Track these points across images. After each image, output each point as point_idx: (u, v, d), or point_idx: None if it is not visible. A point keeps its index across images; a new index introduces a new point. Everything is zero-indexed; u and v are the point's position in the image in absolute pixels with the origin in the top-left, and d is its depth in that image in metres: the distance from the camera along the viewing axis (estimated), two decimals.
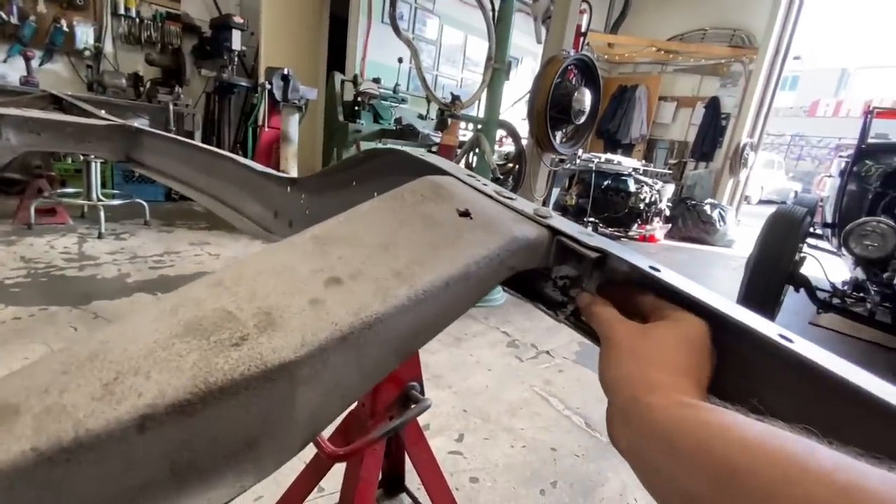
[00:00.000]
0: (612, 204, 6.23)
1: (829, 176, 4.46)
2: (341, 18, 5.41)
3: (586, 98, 2.78)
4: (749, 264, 3.01)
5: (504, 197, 0.57)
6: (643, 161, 7.51)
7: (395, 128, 4.16)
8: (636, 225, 6.34)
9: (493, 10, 2.59)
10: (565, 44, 2.96)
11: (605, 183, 6.20)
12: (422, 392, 0.88)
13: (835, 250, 3.53)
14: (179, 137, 1.77)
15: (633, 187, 6.15)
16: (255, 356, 0.30)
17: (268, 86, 3.63)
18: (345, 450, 0.72)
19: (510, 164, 3.21)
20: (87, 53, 4.59)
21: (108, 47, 4.72)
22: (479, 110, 2.83)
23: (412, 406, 0.82)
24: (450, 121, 2.58)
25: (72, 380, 0.27)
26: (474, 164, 2.90)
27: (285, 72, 3.59)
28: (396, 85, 4.59)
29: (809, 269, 3.08)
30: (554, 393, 1.93)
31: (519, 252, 0.48)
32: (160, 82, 4.95)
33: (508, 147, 4.86)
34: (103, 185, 3.86)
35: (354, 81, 4.13)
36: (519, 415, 1.75)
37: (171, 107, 4.72)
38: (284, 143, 3.74)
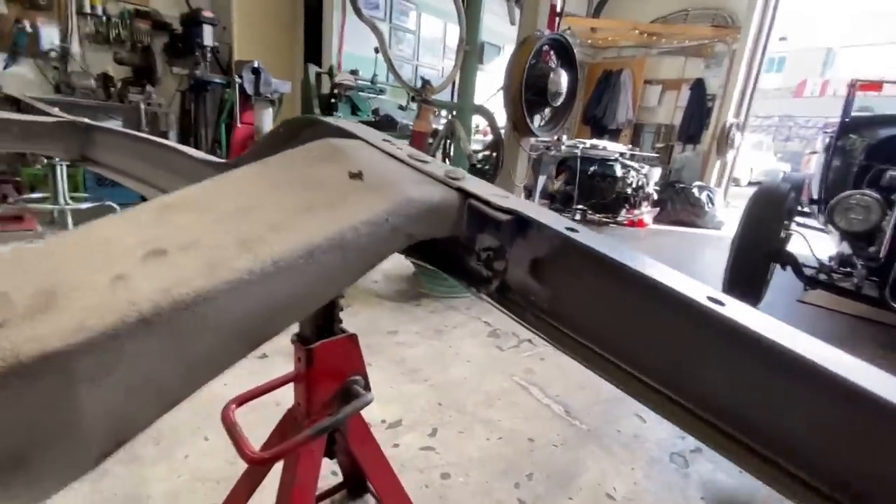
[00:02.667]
0: (599, 190, 6.17)
1: (815, 153, 4.43)
2: (317, 10, 5.28)
3: (562, 79, 2.71)
4: (733, 243, 2.97)
5: (416, 160, 0.50)
6: (629, 146, 7.46)
7: (373, 119, 4.06)
8: (624, 210, 6.30)
9: None
10: (539, 24, 2.88)
11: (592, 169, 6.14)
12: (366, 387, 0.82)
13: (822, 227, 3.50)
14: (128, 131, 1.68)
15: (619, 172, 6.10)
16: (4, 347, 0.23)
17: (238, 80, 3.52)
18: (270, 452, 0.66)
19: (488, 151, 3.13)
20: (53, 55, 4.44)
21: (74, 47, 4.57)
22: (453, 96, 2.75)
23: (352, 402, 0.75)
24: (422, 107, 2.50)
25: None
26: (451, 152, 2.83)
27: (255, 65, 3.48)
28: (374, 76, 4.49)
29: (798, 247, 3.05)
30: (534, 382, 1.87)
31: (419, 217, 0.41)
32: (131, 82, 4.81)
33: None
34: (75, 189, 3.75)
35: (330, 73, 4.03)
36: (497, 406, 1.70)
37: (143, 106, 4.60)
38: (259, 139, 3.64)
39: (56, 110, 2.24)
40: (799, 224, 4.27)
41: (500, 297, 0.48)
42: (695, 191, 6.78)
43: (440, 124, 3.10)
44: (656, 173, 6.58)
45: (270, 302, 0.32)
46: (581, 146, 5.93)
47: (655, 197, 6.65)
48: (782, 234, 3.04)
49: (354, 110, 4.16)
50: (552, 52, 2.84)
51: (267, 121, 3.63)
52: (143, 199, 2.44)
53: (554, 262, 0.42)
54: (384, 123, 3.97)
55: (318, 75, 4.02)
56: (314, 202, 0.38)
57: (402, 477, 0.92)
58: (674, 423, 0.35)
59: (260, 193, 0.39)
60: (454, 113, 2.64)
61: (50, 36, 4.49)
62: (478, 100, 2.76)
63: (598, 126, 8.76)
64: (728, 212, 6.91)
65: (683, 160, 7.90)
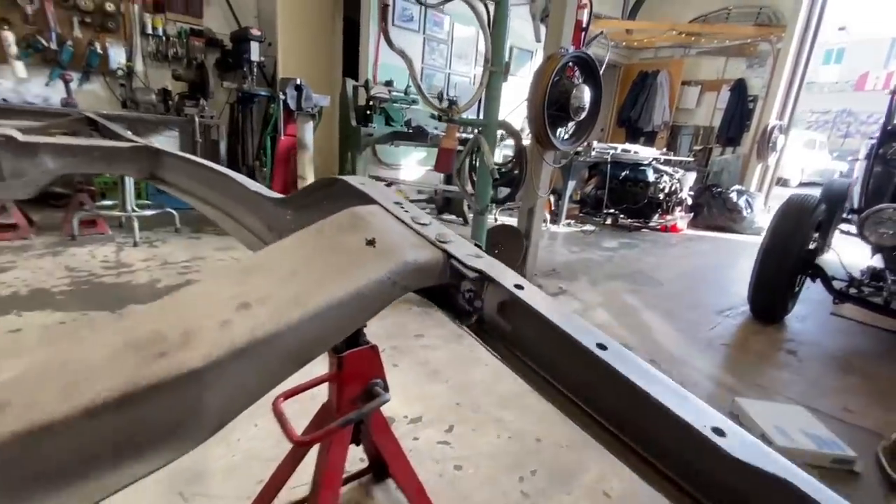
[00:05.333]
0: (630, 194, 6.15)
1: (857, 159, 4.28)
2: (355, 21, 5.55)
3: (585, 95, 2.81)
4: (759, 255, 2.97)
5: (417, 223, 0.67)
6: (664, 149, 7.34)
7: (405, 130, 4.27)
8: (657, 215, 6.24)
9: (489, 14, 2.65)
10: (564, 41, 2.98)
11: (624, 173, 6.13)
12: (385, 388, 0.99)
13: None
14: (191, 157, 1.94)
15: (652, 177, 6.05)
16: (174, 363, 0.42)
17: (282, 96, 3.81)
18: (310, 437, 0.85)
19: (512, 163, 3.26)
20: (119, 73, 4.92)
21: (138, 66, 5.04)
22: (479, 112, 2.90)
23: (373, 400, 0.93)
24: (448, 125, 2.67)
25: (44, 382, 0.40)
26: (476, 165, 2.98)
27: (298, 82, 3.76)
28: (407, 87, 4.69)
29: (839, 258, 3.00)
30: None
31: (413, 274, 0.59)
32: (187, 96, 5.24)
33: None
34: (138, 196, 4.16)
35: (366, 86, 4.26)
36: (510, 406, 1.85)
37: (197, 119, 5.01)
38: (301, 150, 3.92)
39: (129, 133, 2.57)
40: (843, 232, 4.15)
41: (477, 329, 0.64)
42: (733, 195, 6.61)
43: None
44: (691, 177, 6.47)
45: (314, 336, 0.51)
46: (612, 151, 5.93)
47: (690, 202, 6.54)
48: (811, 246, 3.01)
49: (388, 121, 4.38)
50: (576, 69, 2.94)
51: (308, 133, 3.90)
52: (191, 209, 2.66)
53: (511, 306, 0.58)
54: (416, 134, 4.16)
55: (355, 88, 4.26)
56: (341, 265, 0.56)
57: (419, 466, 1.10)
58: (591, 436, 0.51)
59: (305, 259, 0.57)
60: (479, 129, 2.79)
61: (117, 56, 4.97)
62: (508, 107, 2.86)
63: (634, 128, 8.65)
64: (768, 217, 6.69)
65: (722, 163, 7.68)
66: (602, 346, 0.47)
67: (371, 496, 1.32)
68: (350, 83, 4.22)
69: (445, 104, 2.60)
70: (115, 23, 4.81)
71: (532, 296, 0.54)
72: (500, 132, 3.31)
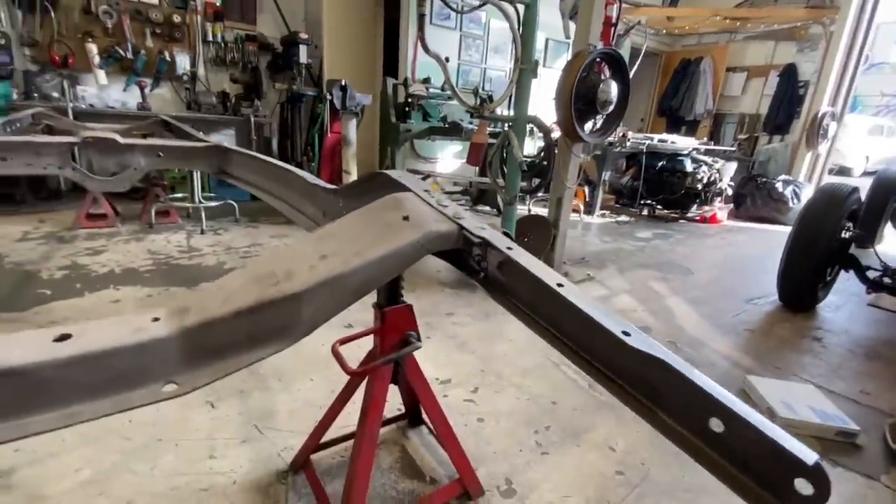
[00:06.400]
0: (668, 185, 6.11)
1: None
2: (396, 22, 5.81)
3: (612, 89, 2.93)
4: (786, 245, 3.01)
5: (440, 205, 0.91)
6: (706, 139, 7.18)
7: (442, 125, 4.50)
8: (694, 206, 6.17)
9: (518, 15, 2.82)
10: (592, 38, 3.11)
11: (660, 164, 6.09)
12: (418, 338, 1.24)
13: None
14: (257, 154, 2.26)
15: (690, 167, 5.99)
16: (282, 289, 0.68)
17: (328, 96, 4.13)
18: (359, 369, 1.11)
19: (544, 155, 3.43)
20: (185, 78, 5.43)
21: (200, 71, 5.54)
22: (510, 107, 3.09)
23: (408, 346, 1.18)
24: (479, 121, 2.86)
25: (208, 297, 0.67)
26: (506, 158, 3.17)
27: (343, 83, 4.06)
28: (444, 84, 4.91)
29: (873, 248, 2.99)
30: (567, 362, 2.20)
31: (435, 239, 0.82)
32: (243, 97, 5.71)
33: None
34: (203, 189, 4.63)
35: (405, 84, 4.52)
36: (530, 376, 2.06)
37: (252, 118, 5.46)
38: (345, 146, 4.24)
39: (201, 134, 2.95)
40: None
41: (484, 283, 0.87)
42: (778, 185, 6.41)
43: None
44: (731, 167, 6.33)
45: (368, 277, 0.75)
46: (647, 142, 5.91)
47: (730, 192, 6.40)
48: (845, 235, 3.01)
49: (426, 117, 4.62)
50: (604, 64, 3.06)
51: (352, 130, 4.21)
52: (254, 198, 3.10)
53: (506, 265, 0.80)
54: (451, 129, 4.38)
55: (395, 86, 4.53)
56: (386, 233, 0.80)
57: (447, 419, 1.33)
58: (558, 350, 0.72)
59: (361, 229, 0.82)
60: (509, 124, 2.98)
61: (183, 62, 5.47)
62: (544, 99, 2.99)
63: (675, 117, 8.47)
64: None
65: (769, 152, 7.42)
66: (560, 285, 0.69)
67: (407, 437, 1.58)
68: (390, 82, 4.49)
69: (478, 101, 2.79)
70: (181, 32, 5.31)
71: (519, 255, 0.77)
72: (530, 126, 3.48)
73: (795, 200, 6.31)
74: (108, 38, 4.97)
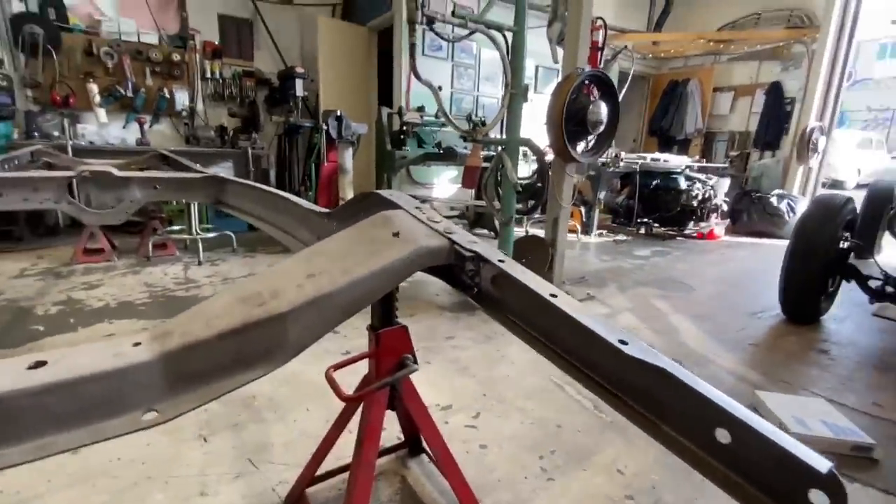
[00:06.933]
0: (663, 203, 6.15)
1: None
2: (389, 54, 5.98)
3: (602, 110, 2.98)
4: (785, 258, 2.99)
5: (431, 221, 0.90)
6: (698, 157, 7.28)
7: (436, 151, 4.56)
8: (691, 223, 6.19)
9: (507, 42, 2.90)
10: (580, 61, 3.18)
11: (655, 182, 6.14)
12: (414, 361, 1.21)
13: None
14: (252, 183, 2.28)
15: (684, 185, 6.04)
16: (268, 309, 0.66)
17: (324, 127, 4.20)
18: (355, 395, 1.07)
19: (538, 176, 3.45)
20: (183, 113, 5.54)
21: (199, 106, 5.66)
22: (502, 131, 3.13)
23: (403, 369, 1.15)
24: (472, 145, 2.90)
25: (192, 320, 0.65)
26: (501, 180, 3.20)
27: (338, 113, 4.14)
28: (437, 112, 5.01)
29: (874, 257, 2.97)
30: (570, 382, 2.14)
31: (425, 255, 0.81)
32: (241, 130, 5.81)
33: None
34: (201, 221, 4.65)
35: (399, 113, 4.61)
36: (533, 399, 2.01)
37: (250, 150, 5.54)
38: (342, 174, 4.28)
39: (198, 165, 2.97)
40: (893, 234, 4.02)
41: (478, 298, 0.85)
42: (773, 199, 6.46)
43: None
44: (725, 184, 6.39)
45: (358, 295, 0.73)
46: (641, 161, 5.98)
47: (725, 208, 6.44)
48: (843, 246, 3.00)
49: (420, 143, 4.69)
50: (593, 86, 3.12)
51: (348, 158, 4.26)
52: (251, 228, 3.13)
53: (499, 278, 0.78)
54: (446, 154, 4.45)
55: (390, 115, 4.62)
56: (375, 249, 0.79)
57: (448, 446, 1.28)
58: (554, 364, 0.70)
59: (350, 246, 0.81)
60: (502, 147, 3.02)
61: (182, 99, 5.59)
62: (536, 123, 3.03)
63: (665, 137, 8.61)
64: None
65: (761, 168, 7.51)
66: (553, 296, 0.67)
67: (407, 467, 1.52)
68: (385, 111, 4.58)
69: (472, 126, 2.84)
70: (180, 70, 5.45)
71: (512, 268, 0.75)
72: (524, 149, 3.52)
73: (791, 214, 6.34)
74: (108, 77, 5.10)
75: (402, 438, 1.57)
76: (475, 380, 2.15)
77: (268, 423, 1.75)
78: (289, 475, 1.46)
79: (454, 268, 0.87)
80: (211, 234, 4.29)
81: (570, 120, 2.98)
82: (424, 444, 1.55)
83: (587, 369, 0.64)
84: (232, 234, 4.42)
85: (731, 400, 0.51)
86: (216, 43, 5.68)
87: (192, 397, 0.62)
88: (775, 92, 7.38)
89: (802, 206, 6.55)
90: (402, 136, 4.59)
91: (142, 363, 0.58)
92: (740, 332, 2.93)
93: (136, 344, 0.60)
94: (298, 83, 5.65)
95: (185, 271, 3.70)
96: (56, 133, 4.69)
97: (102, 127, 5.16)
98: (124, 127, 5.31)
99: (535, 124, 4.81)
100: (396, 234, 0.83)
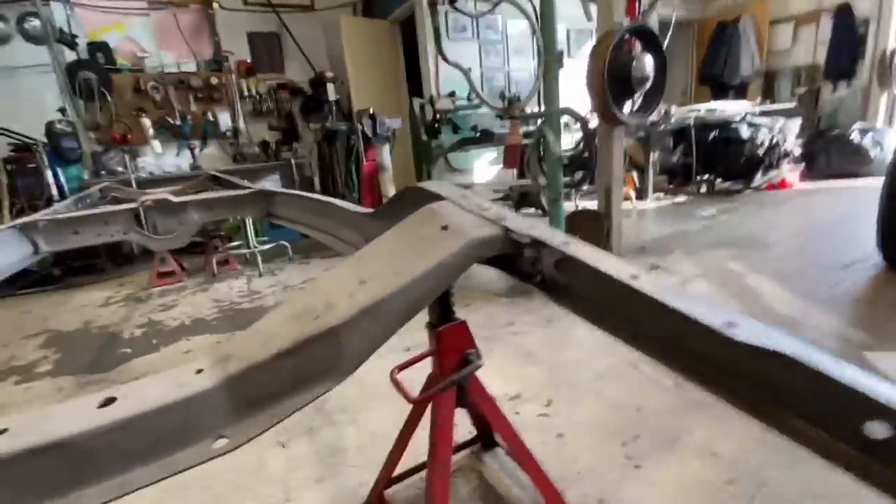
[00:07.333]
0: (724, 156, 5.67)
1: None
2: (414, 44, 5.89)
3: (646, 65, 2.74)
4: (882, 195, 2.64)
5: (480, 209, 0.83)
6: (759, 99, 6.62)
7: (473, 135, 4.45)
8: (759, 173, 5.66)
9: (535, 8, 2.73)
10: (617, 15, 2.94)
11: (713, 135, 5.66)
12: (478, 356, 1.15)
13: None
14: (297, 192, 2.30)
15: (746, 133, 5.52)
16: (321, 324, 0.62)
17: (359, 126, 4.22)
18: (422, 396, 1.04)
19: (584, 146, 3.27)
20: (228, 134, 5.78)
21: (241, 125, 5.88)
22: (540, 103, 2.98)
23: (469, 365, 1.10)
24: (511, 122, 2.78)
25: (248, 341, 0.62)
26: (544, 155, 3.05)
27: (371, 111, 4.13)
28: (469, 94, 4.87)
29: None
30: (645, 360, 2.02)
31: (478, 247, 0.74)
32: (282, 142, 5.99)
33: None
34: (257, 235, 4.85)
35: (431, 102, 4.53)
36: (606, 381, 1.90)
37: (293, 161, 5.69)
38: (381, 172, 4.29)
39: (246, 182, 3.05)
40: None
41: (543, 286, 0.77)
42: (854, 135, 5.76)
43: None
44: (794, 125, 5.77)
45: (413, 297, 0.68)
46: (694, 114, 5.53)
47: (797, 152, 5.83)
48: None
49: (456, 129, 4.59)
50: (634, 40, 2.89)
51: (386, 155, 4.26)
52: (304, 236, 3.16)
53: (564, 262, 0.70)
54: (483, 137, 4.32)
55: (422, 106, 4.55)
56: (425, 247, 0.73)
57: (522, 439, 1.22)
58: (643, 353, 0.61)
59: (398, 247, 0.76)
60: (542, 120, 2.87)
61: (225, 120, 5.83)
62: (575, 91, 2.84)
63: (719, 84, 7.91)
64: None
65: (836, 102, 6.72)
66: (634, 276, 0.58)
67: (482, 462, 1.48)
68: (417, 102, 4.52)
69: (506, 103, 2.71)
70: (220, 93, 5.67)
71: (578, 249, 0.67)
72: (565, 118, 3.34)
73: (878, 149, 5.63)
74: (158, 109, 5.41)
75: (475, 432, 1.53)
76: (542, 365, 2.07)
77: (340, 425, 1.77)
78: (367, 477, 1.47)
79: (512, 256, 0.79)
80: (267, 246, 4.46)
81: (612, 80, 2.77)
82: (498, 437, 1.50)
83: (689, 360, 0.55)
84: (286, 244, 4.57)
85: (887, 385, 0.41)
86: (248, 61, 5.86)
87: (258, 420, 0.60)
88: (844, 15, 6.53)
89: (892, 138, 5.80)
90: (436, 125, 4.51)
91: (206, 391, 0.56)
92: (834, 287, 2.62)
93: (199, 371, 0.59)
94: (330, 88, 5.72)
95: (248, 284, 3.87)
96: (120, 168, 5.05)
97: (158, 157, 5.49)
98: (177, 154, 5.62)
99: (573, 92, 4.57)
100: (445, 228, 0.77)
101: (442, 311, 1.11)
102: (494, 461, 1.48)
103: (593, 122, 3.22)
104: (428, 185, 0.99)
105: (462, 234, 0.74)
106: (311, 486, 1.49)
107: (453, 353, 1.11)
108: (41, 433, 0.49)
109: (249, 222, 4.32)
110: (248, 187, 2.64)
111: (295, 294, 0.70)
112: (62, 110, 4.86)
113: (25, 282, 4.15)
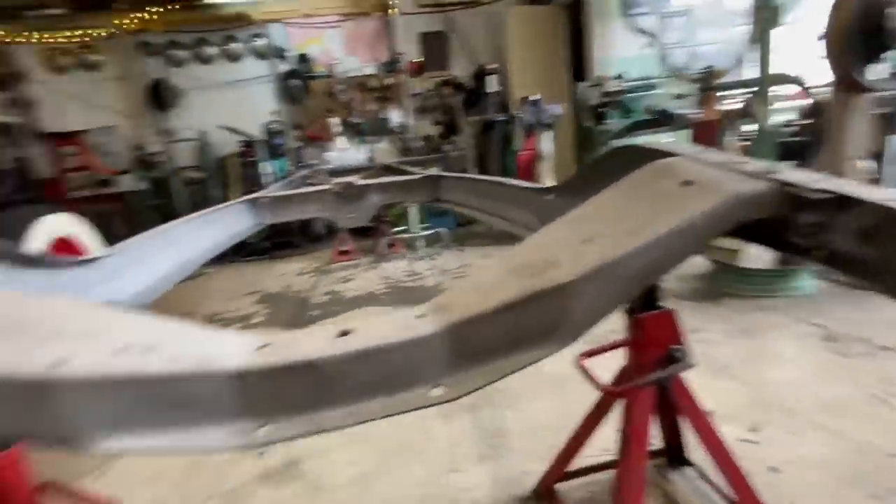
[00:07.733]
0: None
1: None
2: (579, 29, 5.57)
3: None
4: None
5: (735, 163, 0.66)
6: None
7: (647, 117, 4.00)
8: None
9: None
10: None
11: None
12: (687, 355, 0.97)
13: None
14: (465, 175, 2.34)
15: None
16: (546, 280, 0.55)
17: (519, 114, 4.15)
18: (618, 388, 0.91)
19: (804, 121, 2.65)
20: (397, 130, 6.30)
21: (409, 121, 6.34)
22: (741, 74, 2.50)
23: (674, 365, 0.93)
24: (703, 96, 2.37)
25: (468, 293, 0.59)
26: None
27: (533, 98, 4.03)
28: (661, 57, 4.35)
29: None
30: None
31: (740, 205, 0.58)
32: (443, 135, 6.30)
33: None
34: (419, 222, 5.19)
35: (598, 84, 4.22)
36: (839, 414, 1.48)
37: (452, 154, 5.93)
38: (539, 161, 4.17)
39: (417, 169, 3.23)
40: None
41: (833, 262, 0.58)
42: None
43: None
44: None
45: (650, 261, 0.57)
46: None
47: None
48: None
49: (627, 113, 4.19)
50: None
51: (547, 143, 4.12)
52: (460, 225, 3.27)
53: (883, 227, 0.50)
54: (660, 119, 3.85)
55: (587, 89, 4.27)
56: (664, 206, 0.61)
57: (739, 466, 1.01)
58: None
59: (625, 205, 0.65)
60: (752, 90, 2.40)
61: (395, 118, 6.36)
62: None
63: None
64: None
65: None
66: None
67: (666, 478, 1.28)
68: (581, 86, 4.26)
69: (704, 73, 2.33)
70: (392, 92, 6.21)
71: None
72: (775, 89, 2.75)
73: None
74: (343, 110, 6.18)
75: (663, 444, 1.33)
76: (740, 382, 1.72)
77: (501, 408, 1.74)
78: (531, 466, 1.39)
79: (778, 222, 0.61)
80: (427, 233, 4.73)
81: (860, 34, 2.16)
82: (688, 455, 1.27)
83: None
84: (446, 230, 4.79)
85: None
86: (418, 61, 6.28)
87: (475, 376, 0.56)
88: None
89: None
90: (602, 109, 4.18)
91: (428, 335, 0.54)
92: None
93: (420, 316, 0.57)
94: (490, 80, 5.78)
95: (410, 265, 4.16)
96: (314, 161, 5.92)
97: (343, 151, 6.28)
98: (357, 149, 6.35)
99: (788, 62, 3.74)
100: (688, 183, 0.63)
101: (646, 296, 0.96)
102: (683, 481, 1.26)
103: (821, 94, 2.58)
104: (643, 142, 0.85)
105: (716, 188, 0.60)
106: (475, 463, 1.48)
107: (655, 346, 0.96)
108: (295, 351, 0.52)
109: (414, 210, 4.63)
110: (418, 172, 2.81)
111: (506, 252, 0.64)
112: (275, 113, 5.90)
113: (245, 251, 5.18)
